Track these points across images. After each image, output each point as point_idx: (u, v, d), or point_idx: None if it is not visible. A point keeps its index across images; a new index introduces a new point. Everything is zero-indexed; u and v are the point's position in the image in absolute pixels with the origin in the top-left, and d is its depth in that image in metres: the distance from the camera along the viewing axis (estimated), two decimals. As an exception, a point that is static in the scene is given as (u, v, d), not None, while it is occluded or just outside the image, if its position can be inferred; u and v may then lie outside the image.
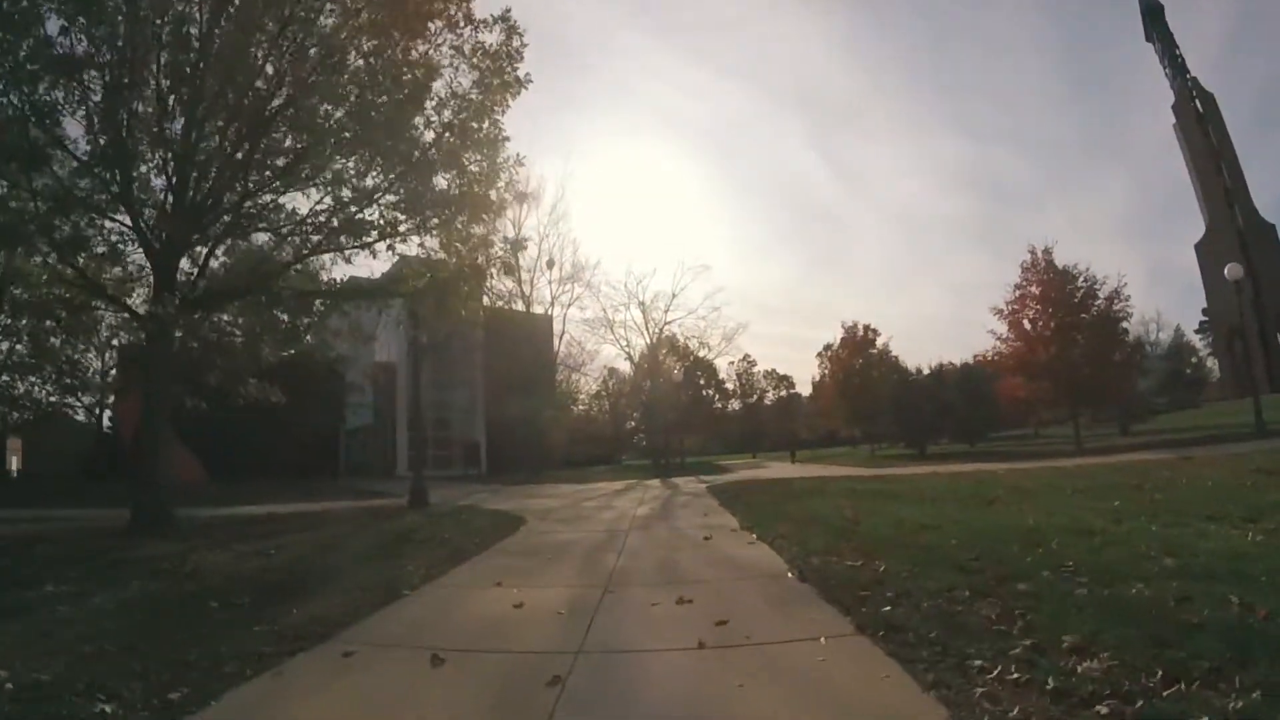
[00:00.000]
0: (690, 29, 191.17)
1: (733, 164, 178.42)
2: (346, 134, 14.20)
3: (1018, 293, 35.58)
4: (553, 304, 42.27)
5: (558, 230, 41.45)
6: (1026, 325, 34.57)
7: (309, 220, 14.86)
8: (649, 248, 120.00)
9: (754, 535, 10.35)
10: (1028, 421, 40.85)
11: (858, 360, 49.04)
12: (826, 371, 54.57)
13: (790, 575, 7.38)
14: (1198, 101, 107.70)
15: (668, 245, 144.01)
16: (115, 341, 44.53)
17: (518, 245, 15.10)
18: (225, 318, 16.93)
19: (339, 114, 14.25)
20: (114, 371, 43.46)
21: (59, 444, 49.09)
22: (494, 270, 15.01)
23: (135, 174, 14.27)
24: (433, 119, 13.75)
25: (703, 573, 7.91)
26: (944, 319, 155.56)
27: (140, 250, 14.58)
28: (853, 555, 8.05)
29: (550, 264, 41.36)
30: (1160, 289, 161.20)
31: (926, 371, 43.42)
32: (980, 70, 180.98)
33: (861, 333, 49.90)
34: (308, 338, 25.60)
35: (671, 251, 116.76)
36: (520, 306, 43.06)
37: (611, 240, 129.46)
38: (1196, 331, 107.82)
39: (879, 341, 50.01)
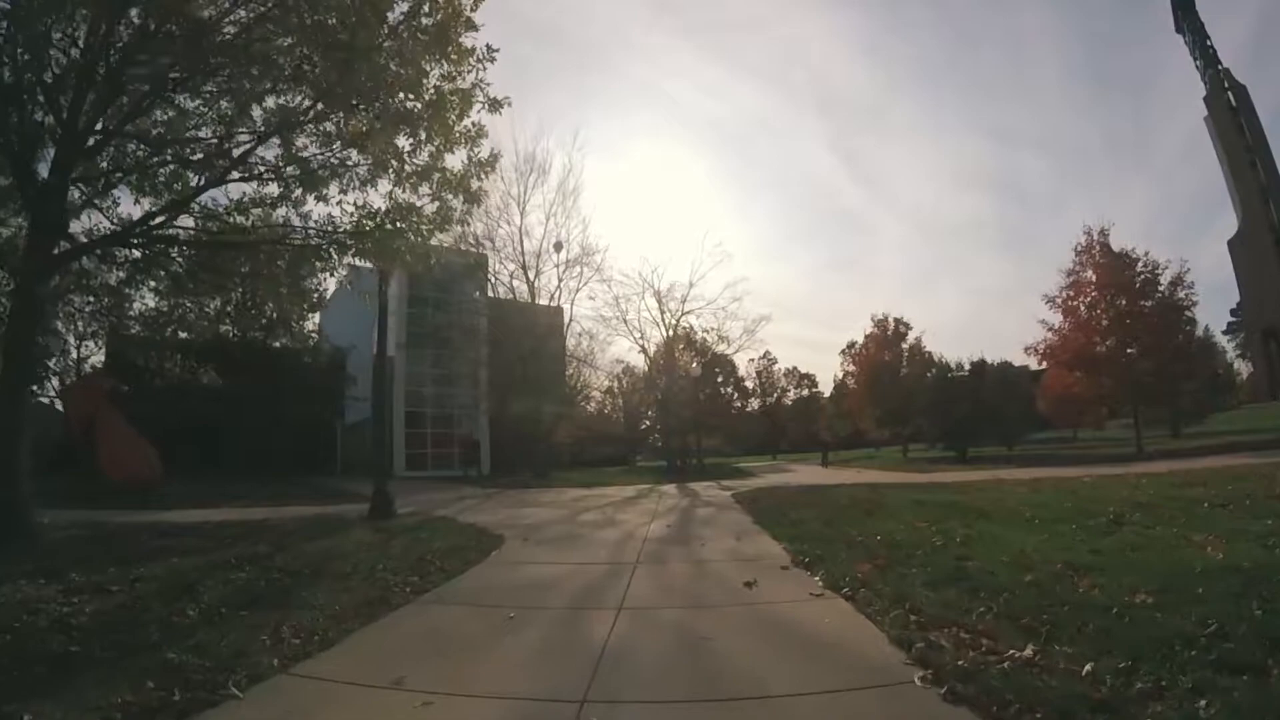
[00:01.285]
0: (710, 29, 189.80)
1: (750, 163, 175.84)
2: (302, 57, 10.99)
3: (1070, 279, 32.20)
4: (558, 288, 38.61)
5: (565, 209, 37.74)
6: (1083, 313, 31.06)
7: (234, 152, 11.63)
8: (664, 245, 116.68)
9: (817, 578, 7.04)
10: (1062, 423, 37.10)
11: (887, 354, 45.55)
12: (852, 369, 51.42)
13: (920, 681, 4.04)
14: (1230, 94, 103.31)
15: (683, 243, 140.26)
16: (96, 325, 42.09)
17: (485, 165, 11.47)
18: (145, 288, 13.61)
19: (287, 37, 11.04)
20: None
21: (36, 433, 46.28)
22: (458, 202, 11.55)
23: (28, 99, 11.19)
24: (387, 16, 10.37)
25: (757, 666, 4.55)
26: (962, 322, 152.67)
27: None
28: (1004, 628, 4.81)
29: (558, 246, 37.75)
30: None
31: (968, 367, 39.58)
32: (999, 71, 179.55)
33: (892, 326, 46.35)
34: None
35: (687, 247, 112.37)
36: (525, 295, 39.40)
37: (626, 238, 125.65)
38: (1224, 332, 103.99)
39: (910, 336, 46.46)
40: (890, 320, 46.47)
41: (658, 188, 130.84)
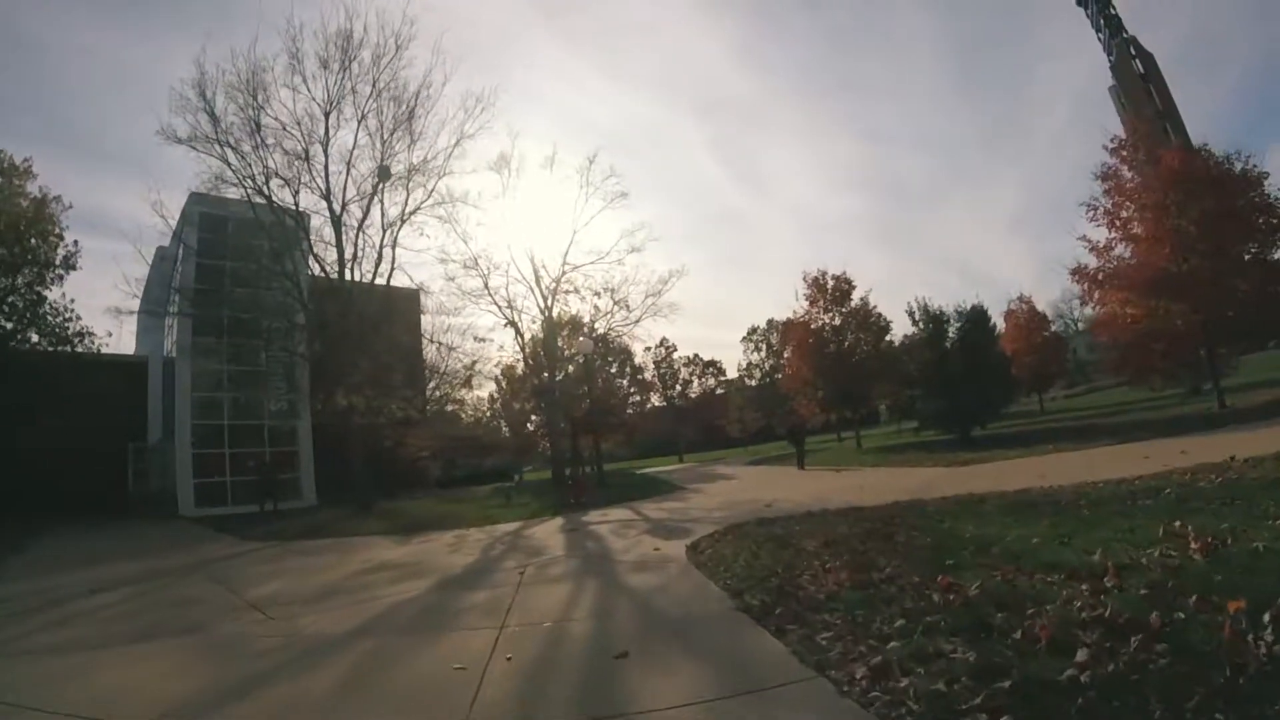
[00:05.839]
0: (596, 36, 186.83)
1: (632, 167, 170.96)
2: None
3: (1107, 185, 23.07)
4: (365, 219, 25.98)
5: (379, 101, 25.10)
6: (1142, 225, 21.76)
7: None
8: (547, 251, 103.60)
9: None
10: (1127, 374, 27.41)
11: (832, 317, 35.64)
12: (759, 357, 41.68)
13: None
14: (1138, 61, 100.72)
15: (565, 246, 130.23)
16: None
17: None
18: None
19: None
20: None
21: None
22: None
23: None
24: None
25: None
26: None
27: None
28: None
29: (384, 173, 25.72)
30: (1058, 279, 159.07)
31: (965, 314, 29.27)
32: (875, 74, 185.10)
33: (832, 284, 36.30)
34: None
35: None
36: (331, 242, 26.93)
37: (503, 243, 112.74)
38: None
39: (855, 296, 36.42)
40: (828, 278, 36.47)
41: (538, 194, 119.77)
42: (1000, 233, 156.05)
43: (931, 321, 27.63)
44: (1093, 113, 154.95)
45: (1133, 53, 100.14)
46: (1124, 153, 23.13)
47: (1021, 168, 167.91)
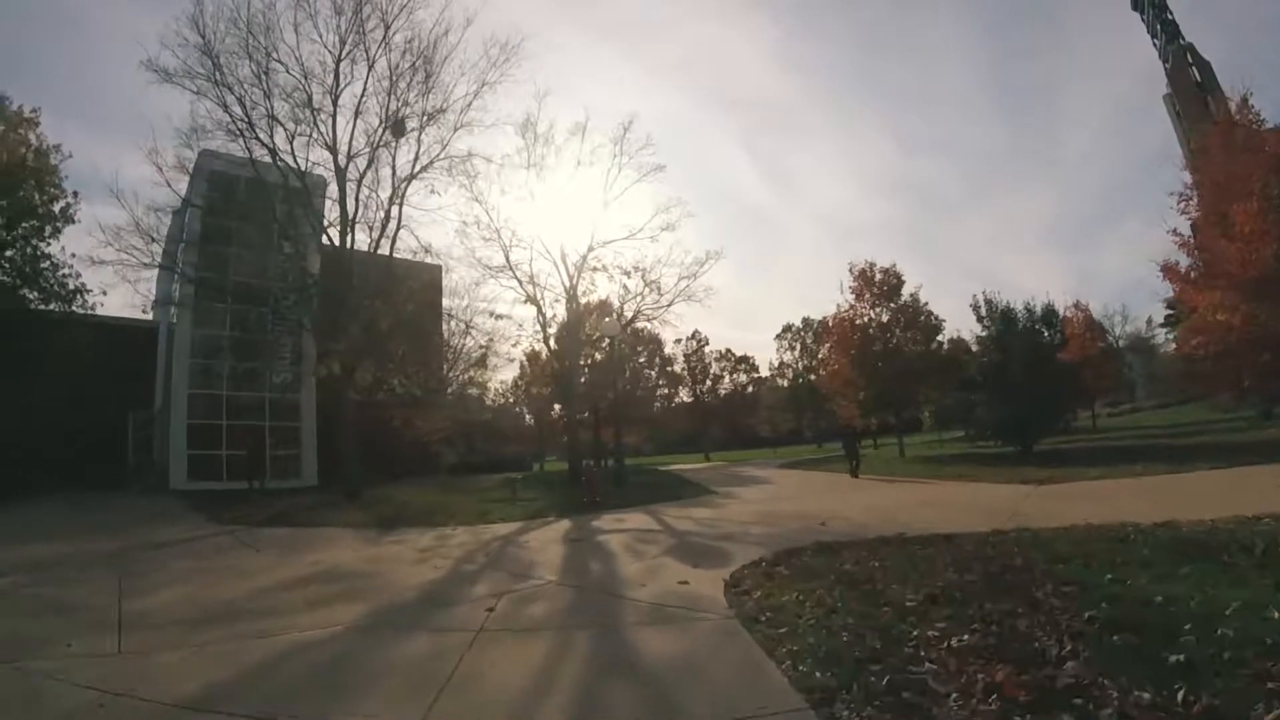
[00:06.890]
0: (622, 29, 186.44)
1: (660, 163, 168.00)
2: None
3: (1197, 176, 20.48)
4: (368, 170, 23.64)
5: (401, 34, 22.80)
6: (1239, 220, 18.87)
7: None
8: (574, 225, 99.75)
9: None
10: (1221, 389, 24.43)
11: (880, 312, 32.89)
12: (791, 357, 38.72)
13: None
14: (1195, 69, 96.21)
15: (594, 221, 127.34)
16: None
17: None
18: None
19: None
20: None
21: None
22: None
23: None
24: None
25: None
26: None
27: None
28: None
29: (398, 128, 23.36)
30: (1089, 294, 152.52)
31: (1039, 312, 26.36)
32: (909, 78, 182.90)
33: (880, 277, 33.51)
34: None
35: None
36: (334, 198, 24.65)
37: (527, 215, 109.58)
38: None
39: (905, 291, 33.59)
40: (876, 270, 33.68)
41: (566, 166, 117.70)
42: (1032, 244, 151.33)
43: (1001, 319, 24.76)
44: (1127, 125, 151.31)
45: (1189, 60, 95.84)
46: (1216, 138, 20.39)
47: (1054, 179, 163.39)
